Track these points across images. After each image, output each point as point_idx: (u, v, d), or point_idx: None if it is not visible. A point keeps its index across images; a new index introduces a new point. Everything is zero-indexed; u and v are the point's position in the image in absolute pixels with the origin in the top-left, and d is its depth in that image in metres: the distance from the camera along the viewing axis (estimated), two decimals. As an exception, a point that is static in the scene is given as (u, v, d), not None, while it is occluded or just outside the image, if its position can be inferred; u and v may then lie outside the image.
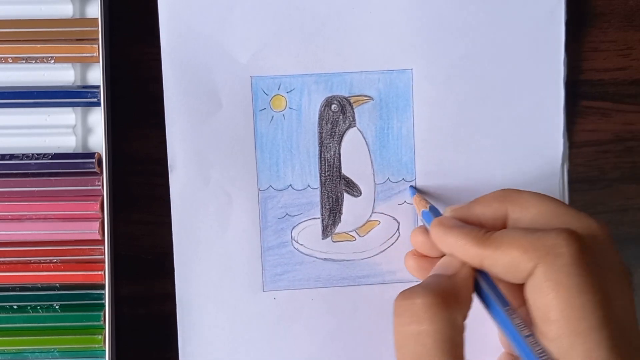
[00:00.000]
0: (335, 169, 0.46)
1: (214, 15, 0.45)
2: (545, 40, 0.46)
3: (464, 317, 0.34)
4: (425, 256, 0.41)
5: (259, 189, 0.46)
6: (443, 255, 0.38)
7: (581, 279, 0.32)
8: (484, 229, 0.36)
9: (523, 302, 0.35)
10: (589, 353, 0.31)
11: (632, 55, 0.47)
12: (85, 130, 0.46)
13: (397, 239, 0.46)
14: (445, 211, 0.40)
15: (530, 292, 0.33)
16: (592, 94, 0.47)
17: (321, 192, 0.46)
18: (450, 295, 0.34)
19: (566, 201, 0.46)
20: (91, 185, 0.45)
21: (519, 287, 0.35)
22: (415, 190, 0.45)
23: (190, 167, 0.45)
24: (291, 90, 0.45)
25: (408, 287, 0.43)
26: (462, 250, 0.36)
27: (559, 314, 0.32)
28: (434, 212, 0.42)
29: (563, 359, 0.32)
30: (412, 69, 0.45)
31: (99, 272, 0.45)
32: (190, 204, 0.45)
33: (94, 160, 0.44)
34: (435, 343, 0.32)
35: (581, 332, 0.31)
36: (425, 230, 0.41)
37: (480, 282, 0.36)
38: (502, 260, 0.34)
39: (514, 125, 0.46)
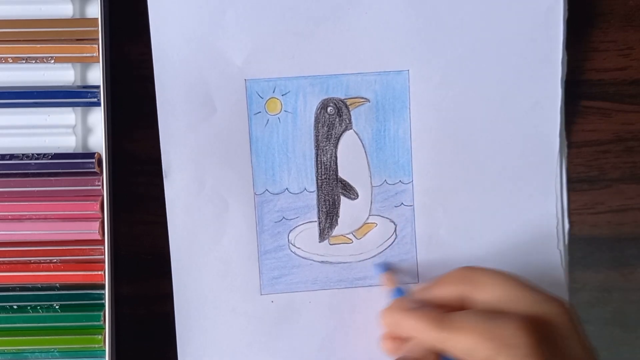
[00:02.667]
0: (331, 171, 0.46)
1: (207, 17, 0.45)
2: (542, 40, 0.45)
3: None
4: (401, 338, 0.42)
5: (255, 193, 0.46)
6: None
7: None
8: (443, 309, 0.37)
9: None
10: None
11: (632, 55, 0.47)
12: (85, 130, 0.46)
13: (394, 241, 0.46)
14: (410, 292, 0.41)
15: None
16: (592, 94, 0.47)
17: (318, 195, 0.46)
18: None
19: (564, 201, 0.46)
20: (91, 185, 0.45)
21: None
22: (384, 267, 0.46)
23: (185, 173, 0.45)
24: (286, 93, 0.45)
25: (405, 287, 0.43)
26: (422, 333, 0.37)
27: None
28: (398, 293, 0.43)
29: None
30: (408, 70, 0.45)
31: (99, 272, 0.45)
32: (186, 209, 0.45)
33: (94, 160, 0.44)
34: None
35: None
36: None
37: None
38: (461, 345, 0.35)
39: (510, 125, 0.45)
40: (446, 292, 0.39)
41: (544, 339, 0.33)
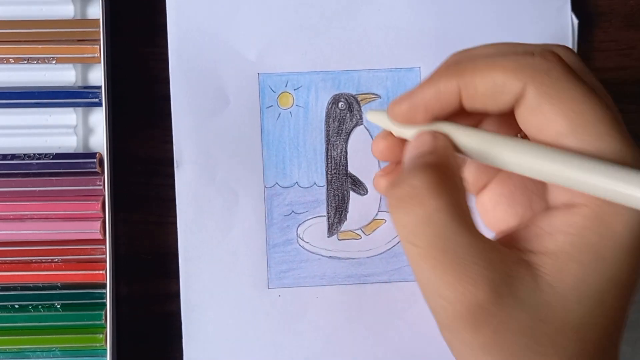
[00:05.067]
0: (341, 166, 0.46)
1: (221, 13, 0.45)
2: (552, 39, 0.46)
3: (462, 179, 0.31)
4: (396, 170, 0.37)
5: (265, 186, 0.46)
6: None
7: (578, 89, 0.29)
8: (435, 110, 0.33)
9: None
10: (597, 144, 0.29)
11: (632, 55, 0.47)
12: (87, 130, 0.46)
13: (402, 238, 0.46)
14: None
15: (525, 115, 0.30)
16: (593, 93, 0.47)
17: (327, 190, 0.46)
18: (441, 164, 0.31)
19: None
20: (92, 185, 0.45)
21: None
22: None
23: (197, 164, 0.45)
24: (298, 88, 0.46)
25: (413, 284, 0.43)
26: (436, 97, 0.32)
27: (567, 125, 0.29)
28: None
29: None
30: (419, 67, 0.46)
31: (100, 272, 0.45)
32: (196, 201, 0.45)
33: (95, 160, 0.44)
34: (450, 216, 0.29)
35: (592, 136, 0.29)
36: (386, 135, 0.36)
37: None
38: (483, 86, 0.31)
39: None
40: (437, 89, 0.33)
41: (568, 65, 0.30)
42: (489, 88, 0.31)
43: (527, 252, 0.30)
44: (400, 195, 0.30)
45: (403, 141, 0.35)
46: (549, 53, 0.30)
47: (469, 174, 0.37)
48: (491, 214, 0.36)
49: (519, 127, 0.32)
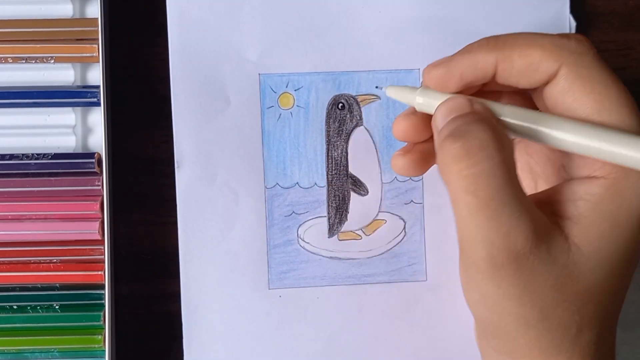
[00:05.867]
0: (342, 167, 0.46)
1: (222, 13, 0.45)
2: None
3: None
4: (413, 151, 0.38)
5: (265, 187, 0.46)
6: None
7: (608, 75, 0.32)
8: (472, 88, 0.35)
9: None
10: (620, 125, 0.31)
11: (632, 55, 0.47)
12: (85, 130, 0.46)
13: (403, 238, 0.46)
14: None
15: (555, 93, 0.32)
16: (592, 94, 0.47)
17: (328, 191, 0.46)
18: (493, 122, 0.32)
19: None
20: (91, 185, 0.45)
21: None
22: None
23: (197, 165, 0.45)
24: (299, 88, 0.46)
25: (413, 285, 0.43)
26: (472, 66, 0.34)
27: (594, 106, 0.32)
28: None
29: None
30: (419, 69, 0.46)
31: (99, 272, 0.45)
32: (197, 201, 0.45)
33: (93, 160, 0.44)
34: (509, 171, 0.31)
35: (616, 118, 0.31)
36: (408, 114, 0.37)
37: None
38: (521, 61, 0.33)
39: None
40: (475, 59, 0.34)
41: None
42: (526, 64, 0.32)
43: (555, 217, 0.32)
44: (468, 146, 0.31)
45: (425, 121, 0.36)
46: (584, 39, 0.32)
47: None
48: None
49: (535, 105, 0.34)
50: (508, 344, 0.34)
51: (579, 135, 0.31)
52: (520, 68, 0.33)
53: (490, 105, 0.33)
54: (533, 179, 0.39)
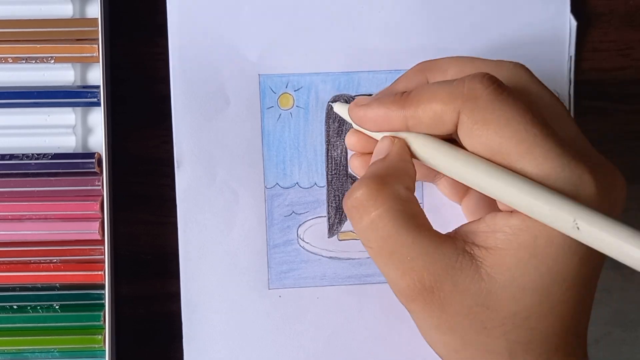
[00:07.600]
0: (342, 167, 0.46)
1: (222, 13, 0.45)
2: (550, 41, 0.46)
3: (408, 188, 0.35)
4: (367, 154, 0.40)
5: (265, 187, 0.46)
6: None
7: (504, 113, 0.32)
8: (400, 92, 0.36)
9: None
10: (540, 162, 0.32)
11: (632, 55, 0.47)
12: (85, 130, 0.46)
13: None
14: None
15: (464, 139, 0.33)
16: (592, 94, 0.47)
17: (328, 191, 0.46)
18: (385, 175, 0.34)
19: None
20: (91, 185, 0.45)
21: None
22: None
23: (197, 165, 0.45)
24: (299, 89, 0.46)
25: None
26: (385, 119, 0.36)
27: (493, 148, 0.32)
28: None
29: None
30: (419, 69, 0.46)
31: (99, 272, 0.45)
32: (197, 201, 0.45)
33: (94, 160, 0.44)
34: (391, 221, 0.33)
35: (514, 158, 0.32)
36: (357, 130, 0.40)
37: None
38: (426, 116, 0.34)
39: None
40: (408, 85, 0.38)
41: (504, 85, 0.33)
42: (431, 117, 0.34)
43: (473, 245, 0.34)
44: (350, 205, 0.34)
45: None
46: (480, 80, 0.33)
47: (450, 183, 0.42)
48: (476, 217, 0.39)
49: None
50: None
51: (473, 174, 0.33)
52: (427, 122, 0.34)
53: (411, 141, 0.36)
54: (469, 210, 0.42)
